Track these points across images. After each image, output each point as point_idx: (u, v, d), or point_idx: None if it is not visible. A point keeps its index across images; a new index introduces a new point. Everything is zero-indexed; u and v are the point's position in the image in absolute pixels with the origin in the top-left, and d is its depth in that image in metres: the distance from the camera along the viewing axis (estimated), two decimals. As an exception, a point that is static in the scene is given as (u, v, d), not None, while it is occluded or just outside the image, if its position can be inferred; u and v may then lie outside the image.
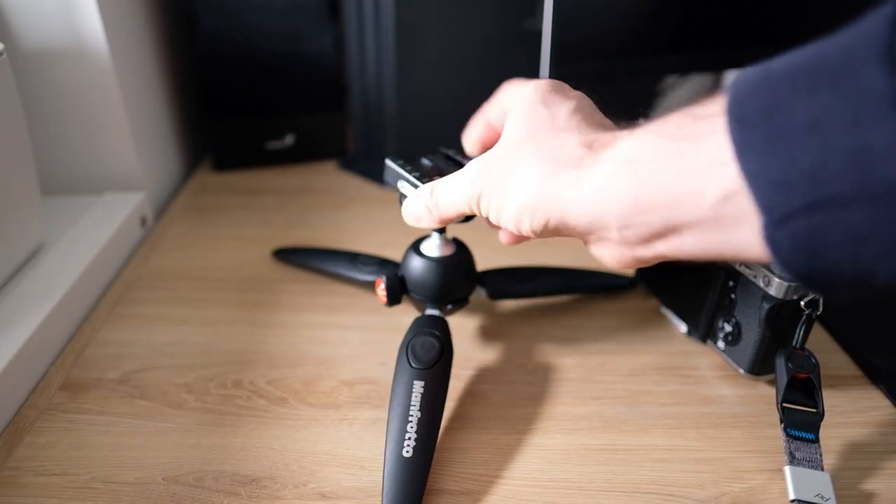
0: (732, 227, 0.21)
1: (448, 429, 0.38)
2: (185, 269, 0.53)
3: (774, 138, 0.19)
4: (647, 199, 0.23)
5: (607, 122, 0.30)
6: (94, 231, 0.53)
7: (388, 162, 0.39)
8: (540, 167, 0.27)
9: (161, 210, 0.65)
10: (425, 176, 0.36)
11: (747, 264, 0.38)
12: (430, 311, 0.40)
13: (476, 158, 0.31)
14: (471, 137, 0.36)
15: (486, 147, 0.36)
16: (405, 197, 0.36)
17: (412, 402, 0.35)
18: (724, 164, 0.21)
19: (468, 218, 0.37)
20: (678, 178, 0.22)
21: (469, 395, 0.41)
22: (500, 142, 0.30)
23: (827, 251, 0.19)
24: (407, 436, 0.34)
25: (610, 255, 0.27)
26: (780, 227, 0.20)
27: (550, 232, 0.28)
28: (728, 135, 0.20)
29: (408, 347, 0.38)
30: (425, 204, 0.33)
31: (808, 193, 0.19)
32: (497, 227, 0.32)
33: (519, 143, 0.29)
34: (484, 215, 0.31)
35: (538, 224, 0.28)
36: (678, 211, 0.23)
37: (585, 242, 0.28)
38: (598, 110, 0.30)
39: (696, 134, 0.22)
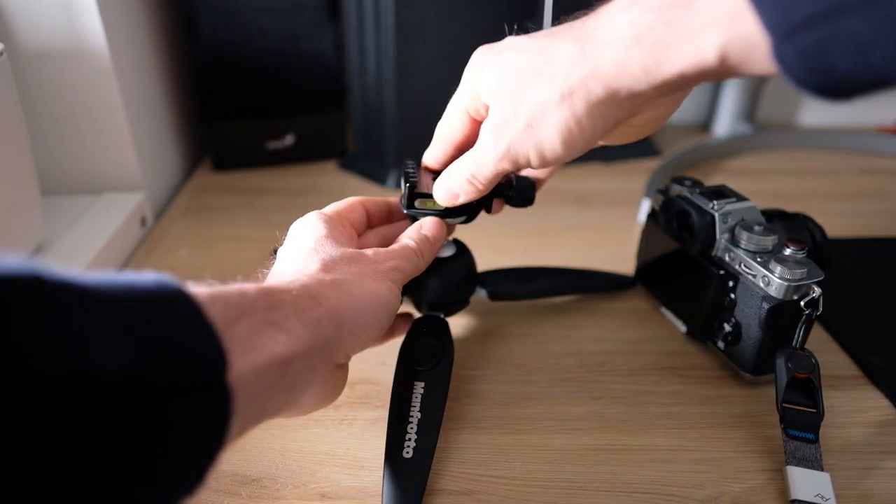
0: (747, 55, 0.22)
1: (448, 429, 0.38)
2: (185, 269, 0.53)
3: None
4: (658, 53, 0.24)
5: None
6: (94, 231, 0.53)
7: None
8: (552, 81, 0.27)
9: (161, 210, 0.65)
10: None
11: (747, 265, 0.38)
12: (431, 313, 0.40)
13: (486, 121, 0.31)
14: (448, 135, 0.36)
15: (466, 141, 0.36)
16: (409, 198, 0.36)
17: (412, 404, 0.35)
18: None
19: (468, 220, 0.37)
20: (678, 38, 0.23)
21: (469, 395, 0.41)
22: (494, 101, 0.30)
23: (836, 62, 0.20)
24: (407, 437, 0.34)
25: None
26: (787, 44, 0.20)
27: (601, 113, 0.28)
28: None
29: (408, 349, 0.38)
30: (466, 178, 0.33)
31: (808, 6, 0.20)
32: (542, 169, 0.33)
33: (518, 82, 0.29)
34: (524, 162, 0.30)
35: (582, 107, 0.27)
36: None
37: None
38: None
39: None
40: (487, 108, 0.32)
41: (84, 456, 0.17)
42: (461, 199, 0.35)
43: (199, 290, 0.22)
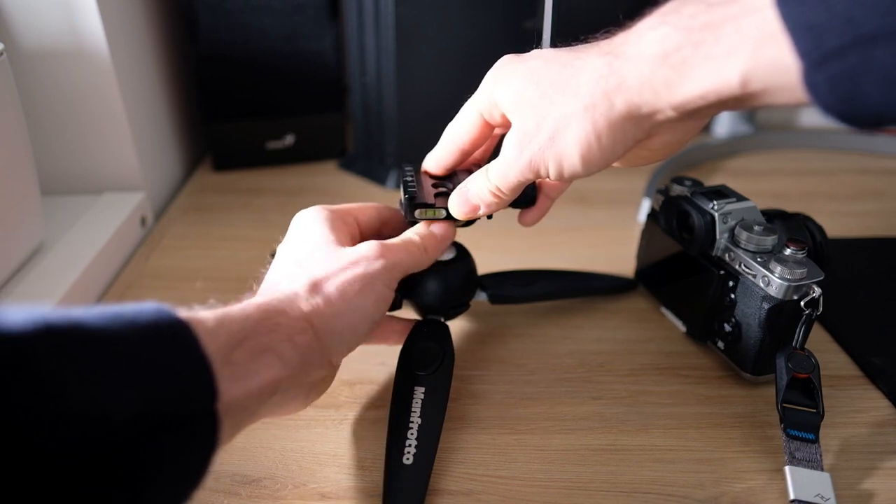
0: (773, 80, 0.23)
1: (448, 429, 0.38)
2: (185, 269, 0.53)
3: None
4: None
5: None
6: (94, 231, 0.53)
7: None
8: (576, 95, 0.28)
9: (161, 210, 0.65)
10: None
11: (747, 265, 0.38)
12: (431, 316, 0.40)
13: (510, 132, 0.31)
14: (457, 137, 0.36)
15: (473, 146, 0.36)
16: (408, 201, 0.36)
17: (413, 409, 0.35)
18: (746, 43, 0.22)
19: (469, 223, 0.37)
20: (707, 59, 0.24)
21: (469, 395, 0.41)
22: (516, 112, 0.30)
23: (864, 91, 0.20)
24: (407, 443, 0.33)
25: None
26: (817, 71, 0.21)
27: (622, 131, 0.28)
28: None
29: (408, 353, 0.38)
30: (489, 189, 0.33)
31: (842, 36, 0.20)
32: (560, 183, 0.34)
33: (542, 94, 0.29)
34: (544, 174, 0.31)
35: (603, 123, 0.27)
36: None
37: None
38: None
39: (713, 21, 0.23)
40: (503, 116, 0.32)
41: (87, 494, 0.19)
42: (482, 211, 0.34)
43: (204, 316, 0.24)
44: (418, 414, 0.35)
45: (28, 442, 0.17)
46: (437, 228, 0.36)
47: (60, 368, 0.19)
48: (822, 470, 0.33)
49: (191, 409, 0.22)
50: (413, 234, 0.36)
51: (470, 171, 0.38)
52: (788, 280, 0.36)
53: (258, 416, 0.28)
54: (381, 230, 0.38)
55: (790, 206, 0.45)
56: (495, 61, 0.33)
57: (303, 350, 0.28)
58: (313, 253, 0.32)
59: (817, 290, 0.36)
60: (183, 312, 0.24)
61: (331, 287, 0.30)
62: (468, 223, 0.37)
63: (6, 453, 0.17)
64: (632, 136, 0.28)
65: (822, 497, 0.32)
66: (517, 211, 0.39)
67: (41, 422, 0.18)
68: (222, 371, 0.23)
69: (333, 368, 0.32)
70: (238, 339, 0.25)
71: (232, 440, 0.26)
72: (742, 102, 0.24)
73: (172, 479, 0.21)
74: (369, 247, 0.33)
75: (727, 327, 0.41)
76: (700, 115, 0.27)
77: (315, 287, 0.30)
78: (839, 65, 0.20)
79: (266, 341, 0.26)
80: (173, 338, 0.22)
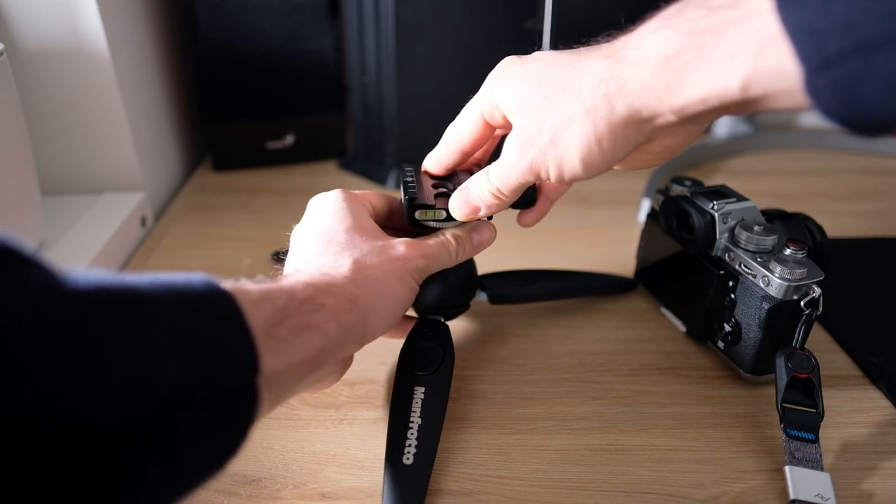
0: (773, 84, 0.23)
1: (448, 429, 0.38)
2: (185, 269, 0.53)
3: None
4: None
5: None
6: (94, 231, 0.53)
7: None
8: (577, 97, 0.28)
9: (161, 210, 0.65)
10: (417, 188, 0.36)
11: (747, 265, 0.38)
12: (431, 317, 0.40)
13: (511, 134, 0.31)
14: (457, 137, 0.36)
15: (474, 147, 0.36)
16: (411, 202, 0.36)
17: (413, 409, 0.35)
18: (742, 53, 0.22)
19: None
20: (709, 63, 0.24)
21: (469, 395, 0.41)
22: (518, 114, 0.30)
23: (864, 97, 0.20)
24: (407, 443, 0.33)
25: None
26: (819, 77, 0.21)
27: (623, 135, 0.28)
28: None
29: (408, 352, 0.38)
30: (490, 191, 0.33)
31: (843, 41, 0.20)
32: (560, 185, 0.35)
33: (544, 96, 0.29)
34: (545, 176, 0.31)
35: (604, 126, 0.27)
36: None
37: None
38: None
39: (715, 25, 0.23)
40: (504, 117, 0.32)
41: (132, 465, 0.19)
42: (482, 213, 0.35)
43: (250, 288, 0.25)
44: (418, 414, 0.35)
45: (70, 405, 0.18)
46: (478, 235, 0.37)
47: (110, 332, 0.19)
48: (822, 470, 0.33)
49: (232, 382, 0.22)
50: (450, 236, 0.36)
51: (470, 172, 0.38)
52: (788, 280, 0.36)
53: (297, 390, 0.28)
54: (391, 218, 0.39)
55: (790, 206, 0.45)
56: (496, 61, 0.33)
57: (346, 328, 0.28)
58: (352, 236, 0.33)
59: (817, 290, 0.36)
60: (229, 284, 0.24)
61: (378, 273, 0.31)
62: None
63: (44, 413, 0.17)
64: (632, 139, 0.28)
65: (822, 497, 0.32)
66: (517, 211, 0.39)
67: (83, 386, 0.18)
68: (265, 344, 0.23)
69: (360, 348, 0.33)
70: (282, 315, 0.25)
71: (270, 412, 0.26)
72: (743, 107, 0.24)
73: (209, 450, 0.22)
74: (412, 246, 0.34)
75: (727, 327, 0.41)
76: (701, 119, 0.27)
77: (360, 270, 0.31)
78: (840, 70, 0.20)
79: (310, 319, 0.27)
80: (219, 310, 0.23)
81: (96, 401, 0.18)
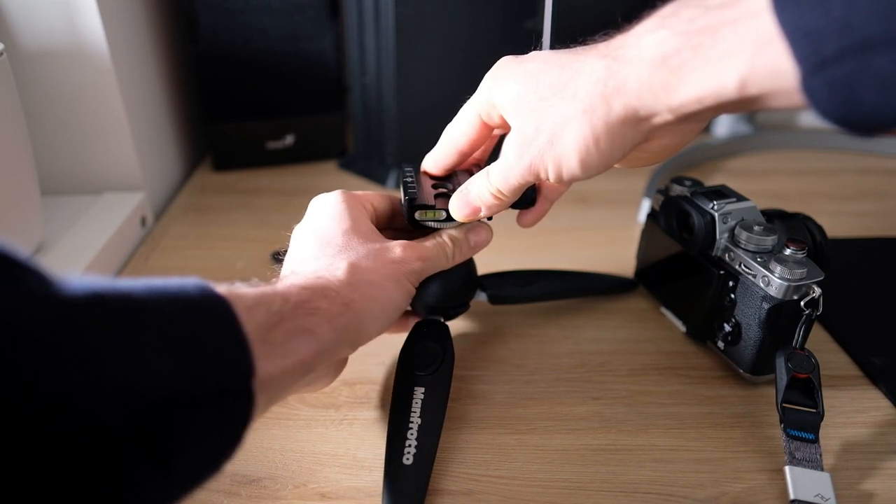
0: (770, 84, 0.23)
1: (448, 429, 0.38)
2: (185, 269, 0.53)
3: None
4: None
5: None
6: (94, 231, 0.53)
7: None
8: (574, 97, 0.28)
9: (161, 210, 0.65)
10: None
11: (747, 265, 0.38)
12: (431, 317, 0.40)
13: (510, 135, 0.31)
14: (455, 138, 0.36)
15: (472, 147, 0.36)
16: (412, 202, 0.36)
17: (412, 409, 0.35)
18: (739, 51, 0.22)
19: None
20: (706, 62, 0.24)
21: (469, 395, 0.41)
22: (515, 115, 0.31)
23: (862, 97, 0.20)
24: (407, 443, 0.33)
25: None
26: (815, 77, 0.21)
27: (621, 134, 0.28)
28: None
29: (408, 353, 0.38)
30: (490, 192, 0.33)
31: (840, 41, 0.20)
32: (559, 185, 0.35)
33: (541, 97, 0.29)
34: (544, 177, 0.31)
35: (602, 126, 0.27)
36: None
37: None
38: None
39: (712, 25, 0.23)
40: (502, 117, 0.32)
41: (127, 468, 0.19)
42: (483, 213, 0.35)
43: (245, 292, 0.25)
44: (418, 414, 0.35)
45: (63, 409, 0.18)
46: (475, 236, 0.37)
47: (104, 338, 0.19)
48: (822, 470, 0.33)
49: (227, 386, 0.22)
50: (446, 237, 0.36)
51: (470, 172, 0.38)
52: (788, 280, 0.36)
53: (291, 392, 0.28)
54: (394, 219, 0.39)
55: (790, 206, 0.45)
56: (495, 61, 0.33)
57: (340, 331, 0.28)
58: (350, 239, 0.33)
59: (817, 290, 0.36)
60: (223, 289, 0.24)
61: (373, 277, 0.31)
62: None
63: (41, 417, 0.17)
64: (630, 139, 0.28)
65: (822, 497, 0.32)
66: (516, 211, 0.39)
67: (78, 390, 0.18)
68: (259, 349, 0.24)
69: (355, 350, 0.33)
70: (277, 319, 0.25)
71: (265, 413, 0.26)
72: (740, 106, 0.24)
73: (206, 452, 0.22)
74: (408, 248, 0.34)
75: (727, 327, 0.41)
76: (698, 118, 0.27)
77: (355, 273, 0.31)
78: (837, 70, 0.20)
79: (305, 323, 0.27)
80: (214, 315, 0.23)
81: (90, 404, 0.18)
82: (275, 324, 0.25)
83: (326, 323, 0.28)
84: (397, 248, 0.34)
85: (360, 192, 0.37)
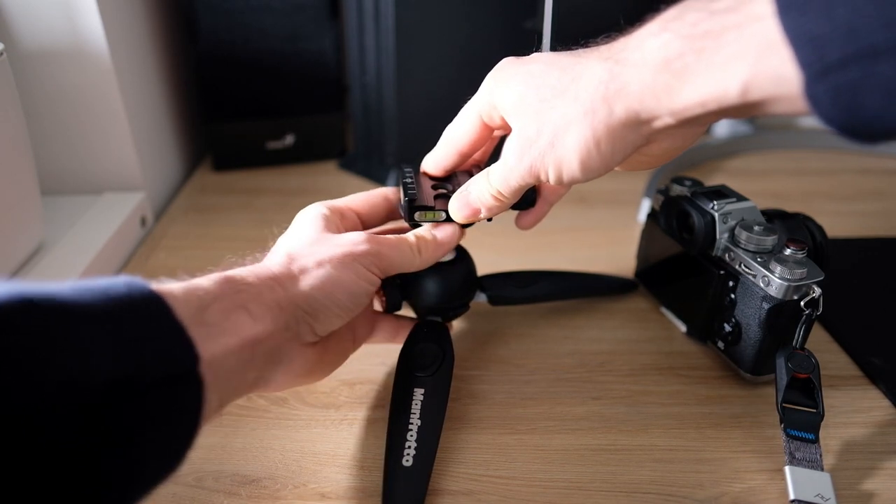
0: (772, 90, 0.23)
1: (448, 429, 0.38)
2: (185, 270, 0.53)
3: None
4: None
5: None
6: (94, 231, 0.53)
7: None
8: (576, 100, 0.28)
9: (161, 210, 0.65)
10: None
11: (747, 265, 0.38)
12: (431, 318, 0.40)
13: (510, 137, 0.31)
14: (456, 138, 0.36)
15: (472, 148, 0.36)
16: (411, 203, 0.36)
17: (412, 410, 0.35)
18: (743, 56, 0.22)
19: (467, 224, 0.37)
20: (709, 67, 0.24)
21: (469, 395, 0.41)
22: (516, 117, 0.30)
23: (866, 104, 0.20)
24: (407, 444, 0.33)
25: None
26: (819, 83, 0.21)
27: (621, 137, 0.28)
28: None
29: (408, 354, 0.38)
30: (491, 193, 0.33)
31: (844, 48, 0.20)
32: (559, 188, 0.35)
33: (542, 98, 0.29)
34: (544, 178, 0.31)
35: (603, 129, 0.27)
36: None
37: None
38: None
39: (715, 29, 0.23)
40: (503, 119, 0.32)
41: (82, 452, 0.20)
42: (483, 215, 0.35)
43: (173, 286, 0.25)
44: (418, 416, 0.34)
45: (12, 410, 0.18)
46: (440, 233, 0.36)
47: (39, 338, 0.20)
48: (822, 470, 0.33)
49: (173, 371, 0.23)
50: (411, 234, 0.36)
51: (470, 173, 0.38)
52: (788, 280, 0.36)
53: (244, 384, 0.28)
54: (391, 215, 0.39)
55: (790, 206, 0.45)
56: (496, 62, 0.33)
57: (272, 307, 0.28)
58: (302, 241, 0.33)
59: (817, 290, 0.36)
60: (153, 284, 0.25)
61: (308, 260, 0.31)
62: (467, 225, 0.37)
63: None
64: (631, 142, 0.28)
65: (822, 497, 0.32)
66: (516, 212, 0.39)
67: (24, 390, 0.19)
68: (197, 330, 0.24)
69: (317, 338, 0.32)
70: (206, 302, 0.26)
71: (226, 407, 0.26)
72: (742, 111, 0.24)
73: (162, 440, 0.23)
74: (356, 234, 0.34)
75: (727, 327, 0.41)
76: (699, 122, 0.27)
77: (291, 259, 0.31)
78: (841, 77, 0.20)
79: (235, 300, 0.27)
80: (146, 305, 0.23)
81: (33, 398, 0.19)
82: (206, 305, 0.25)
83: (254, 299, 0.28)
84: (349, 235, 0.33)
85: (341, 201, 0.37)
